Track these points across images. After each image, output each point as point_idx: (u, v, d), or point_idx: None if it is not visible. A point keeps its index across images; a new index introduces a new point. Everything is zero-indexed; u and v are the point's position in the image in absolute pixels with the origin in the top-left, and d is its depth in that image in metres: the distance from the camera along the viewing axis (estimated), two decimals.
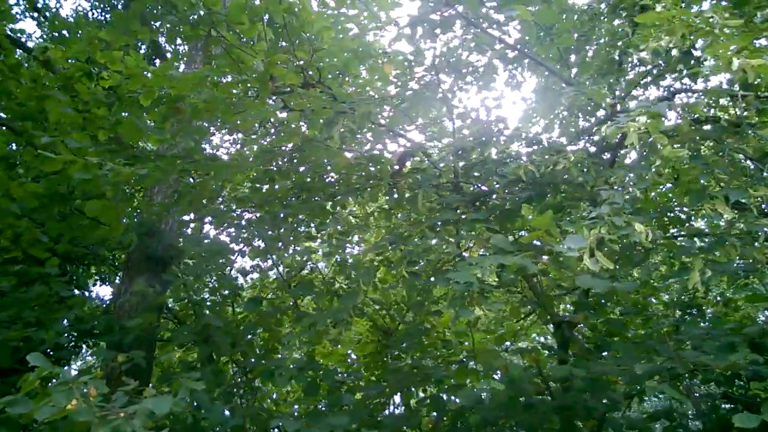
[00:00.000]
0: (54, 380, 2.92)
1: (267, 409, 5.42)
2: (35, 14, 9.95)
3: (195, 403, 3.66)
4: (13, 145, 6.33)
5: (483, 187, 3.98)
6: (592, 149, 4.44)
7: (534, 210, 3.57)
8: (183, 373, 3.80)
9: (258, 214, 5.79)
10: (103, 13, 11.21)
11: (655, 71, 4.08)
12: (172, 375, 4.87)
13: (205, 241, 5.61)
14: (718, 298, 7.42)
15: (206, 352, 5.08)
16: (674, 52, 2.88)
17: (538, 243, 3.14)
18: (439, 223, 3.63)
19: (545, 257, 2.98)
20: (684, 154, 2.62)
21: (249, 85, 5.18)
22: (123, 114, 5.04)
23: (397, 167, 4.74)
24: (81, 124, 4.78)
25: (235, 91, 4.79)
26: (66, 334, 4.69)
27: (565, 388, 4.30)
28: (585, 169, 3.30)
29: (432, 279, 3.47)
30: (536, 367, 4.16)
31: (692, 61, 4.04)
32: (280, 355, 5.41)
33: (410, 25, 3.75)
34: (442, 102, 5.36)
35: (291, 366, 4.03)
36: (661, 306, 7.67)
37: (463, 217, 3.42)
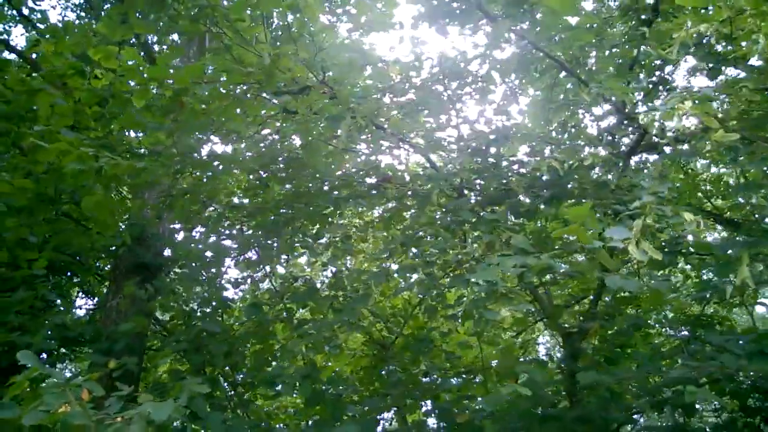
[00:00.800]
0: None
1: (265, 419, 5.17)
2: (21, 17, 9.69)
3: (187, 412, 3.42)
4: None
5: (494, 187, 3.84)
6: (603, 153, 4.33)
7: (556, 208, 3.43)
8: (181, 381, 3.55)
9: (252, 223, 5.60)
10: (90, 22, 11.01)
11: (675, 65, 4.00)
12: (163, 386, 4.60)
13: (200, 246, 5.38)
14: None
15: (198, 361, 4.83)
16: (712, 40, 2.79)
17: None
18: (454, 224, 3.47)
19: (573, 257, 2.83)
20: (736, 139, 2.50)
21: (246, 87, 5.02)
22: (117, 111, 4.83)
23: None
24: (72, 120, 4.55)
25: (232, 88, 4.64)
26: (51, 341, 4.41)
27: (578, 399, 4.13)
28: (610, 169, 3.18)
29: (448, 280, 3.29)
30: (564, 375, 3.99)
31: (710, 63, 3.97)
32: (274, 366, 5.17)
33: (426, 16, 3.63)
34: (447, 106, 5.25)
35: (293, 374, 3.81)
36: (659, 321, 7.56)
37: (482, 215, 3.27)
